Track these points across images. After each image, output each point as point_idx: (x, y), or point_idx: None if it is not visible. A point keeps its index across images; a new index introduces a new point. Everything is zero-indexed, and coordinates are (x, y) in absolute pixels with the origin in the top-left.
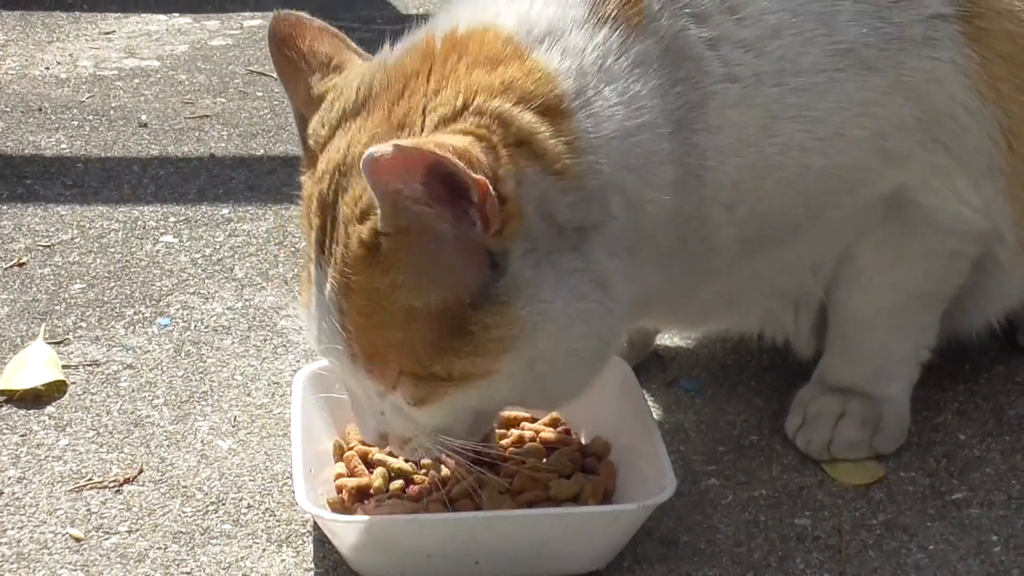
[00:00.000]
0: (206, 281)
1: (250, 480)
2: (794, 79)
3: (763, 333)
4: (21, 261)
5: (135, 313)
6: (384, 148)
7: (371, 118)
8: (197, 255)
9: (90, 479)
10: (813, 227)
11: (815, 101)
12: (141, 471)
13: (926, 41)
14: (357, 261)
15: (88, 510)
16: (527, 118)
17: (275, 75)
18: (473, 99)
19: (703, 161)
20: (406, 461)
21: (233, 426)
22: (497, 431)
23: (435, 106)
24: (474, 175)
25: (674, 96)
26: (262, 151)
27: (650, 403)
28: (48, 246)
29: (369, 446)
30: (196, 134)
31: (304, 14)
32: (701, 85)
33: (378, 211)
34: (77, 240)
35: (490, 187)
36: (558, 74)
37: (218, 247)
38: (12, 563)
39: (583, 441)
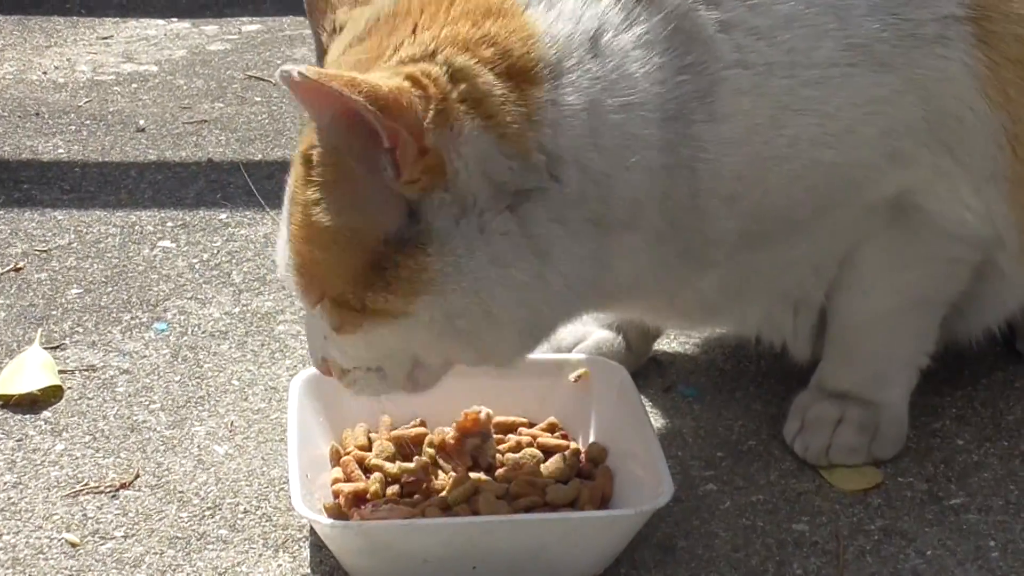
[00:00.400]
0: (203, 286)
1: (247, 485)
2: (806, 71)
3: (760, 337)
4: (18, 266)
5: (132, 318)
6: (294, 70)
7: (363, 46)
8: (195, 260)
9: (86, 484)
10: (817, 225)
11: (828, 95)
12: (137, 476)
13: (938, 40)
14: (298, 172)
15: (84, 515)
16: (486, 78)
17: (273, 80)
18: (443, 48)
19: (699, 153)
20: (393, 461)
21: (230, 431)
22: (495, 436)
23: (408, 44)
24: (386, 121)
25: (675, 84)
26: (260, 156)
27: (648, 408)
28: (45, 251)
29: (365, 451)
30: (194, 139)
31: None
32: (709, 71)
33: None
34: (74, 245)
35: (403, 136)
36: (543, 36)
37: (215, 252)
38: (7, 568)
39: (580, 446)
